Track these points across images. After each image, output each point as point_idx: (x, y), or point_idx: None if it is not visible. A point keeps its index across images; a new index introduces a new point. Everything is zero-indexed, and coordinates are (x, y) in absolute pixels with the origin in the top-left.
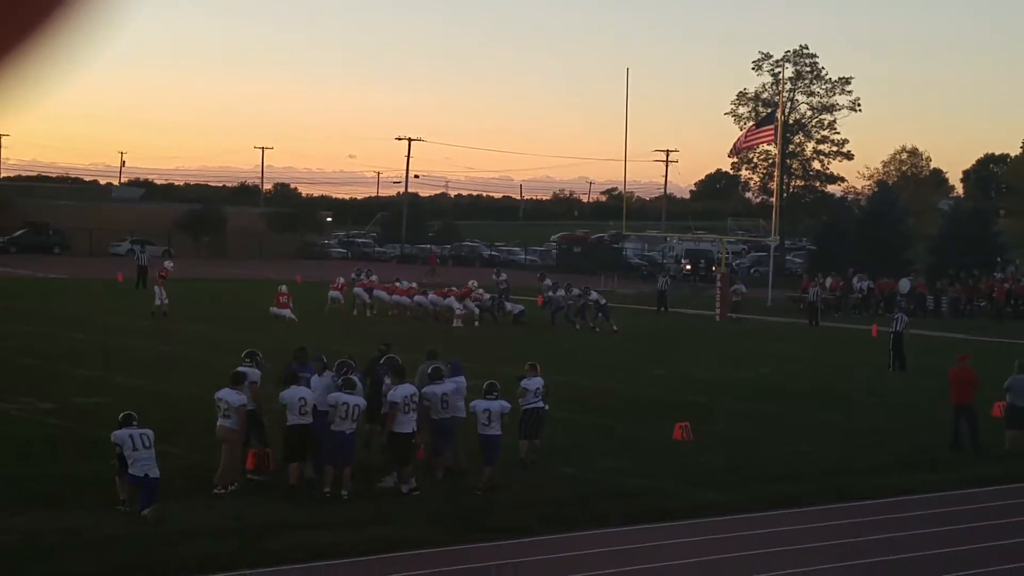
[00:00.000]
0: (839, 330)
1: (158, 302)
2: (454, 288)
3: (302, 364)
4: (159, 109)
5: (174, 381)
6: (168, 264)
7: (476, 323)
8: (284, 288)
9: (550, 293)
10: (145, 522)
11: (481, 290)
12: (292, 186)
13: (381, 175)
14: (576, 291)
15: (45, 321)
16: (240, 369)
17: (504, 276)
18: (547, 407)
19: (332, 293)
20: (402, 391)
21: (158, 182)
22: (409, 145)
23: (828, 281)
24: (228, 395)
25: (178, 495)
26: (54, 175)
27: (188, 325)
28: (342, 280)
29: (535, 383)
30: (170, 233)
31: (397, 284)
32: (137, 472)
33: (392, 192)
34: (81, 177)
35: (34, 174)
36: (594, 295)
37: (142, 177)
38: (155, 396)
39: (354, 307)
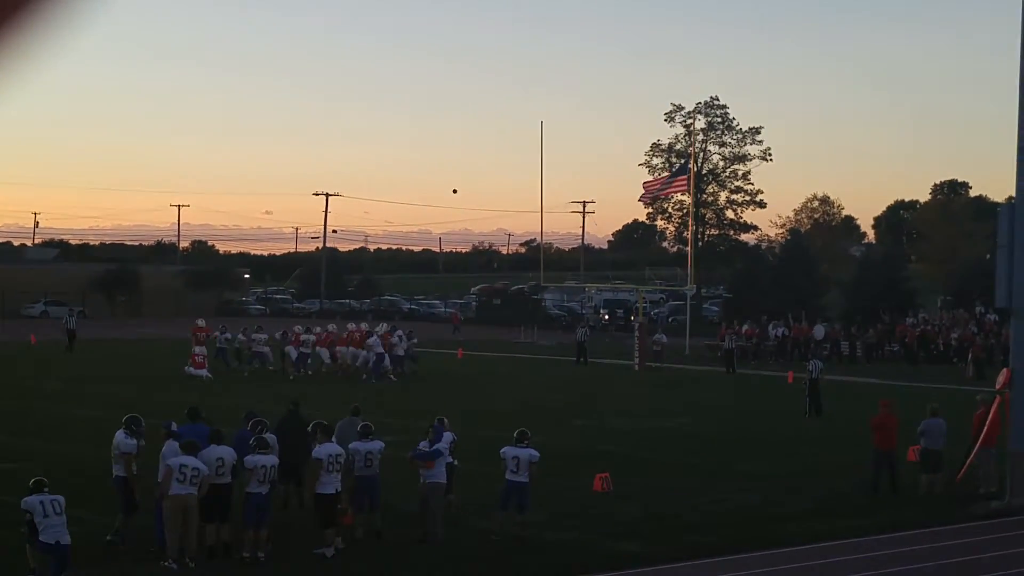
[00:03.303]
0: (756, 377)
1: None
2: (344, 337)
3: (191, 426)
4: (73, 168)
5: (87, 444)
6: (200, 322)
7: (392, 376)
8: (198, 349)
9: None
10: None
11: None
12: (209, 243)
13: (299, 231)
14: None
15: None
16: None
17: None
18: (457, 462)
19: (287, 348)
20: (326, 449)
21: (73, 242)
22: (327, 200)
23: (744, 328)
24: (193, 462)
25: (90, 562)
26: None
27: (102, 387)
28: (295, 332)
29: (446, 438)
30: (85, 293)
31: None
32: (48, 539)
33: (311, 247)
34: None
35: None
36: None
37: (56, 238)
38: (67, 460)
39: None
